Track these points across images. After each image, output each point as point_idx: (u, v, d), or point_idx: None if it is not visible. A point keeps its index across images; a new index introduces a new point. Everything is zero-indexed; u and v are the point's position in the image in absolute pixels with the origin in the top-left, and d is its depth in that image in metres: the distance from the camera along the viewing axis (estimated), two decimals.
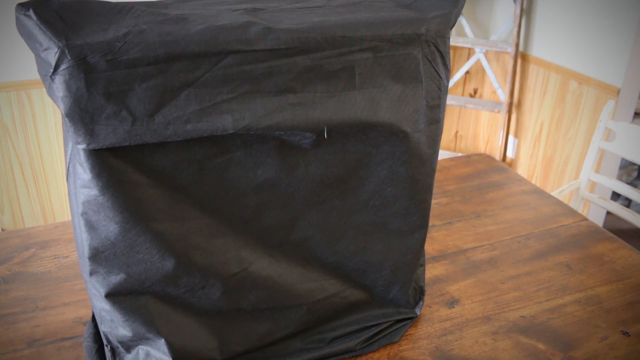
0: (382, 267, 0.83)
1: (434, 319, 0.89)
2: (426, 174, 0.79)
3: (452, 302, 0.93)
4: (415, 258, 0.85)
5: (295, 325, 0.80)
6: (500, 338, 0.86)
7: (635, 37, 2.07)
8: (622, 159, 2.41)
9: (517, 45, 2.51)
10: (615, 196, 2.56)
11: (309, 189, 0.74)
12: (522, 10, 2.48)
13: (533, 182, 2.36)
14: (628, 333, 0.87)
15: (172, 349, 0.72)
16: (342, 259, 0.81)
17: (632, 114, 2.22)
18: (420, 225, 0.83)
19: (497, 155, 2.74)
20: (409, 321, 0.88)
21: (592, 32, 2.22)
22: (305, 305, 0.80)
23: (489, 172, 1.39)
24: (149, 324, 0.71)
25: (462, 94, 2.90)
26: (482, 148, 2.93)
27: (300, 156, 0.71)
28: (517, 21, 2.48)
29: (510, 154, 2.73)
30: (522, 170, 2.68)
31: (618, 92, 2.15)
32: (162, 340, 0.72)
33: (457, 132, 3.00)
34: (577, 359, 0.82)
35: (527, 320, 0.89)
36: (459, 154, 2.65)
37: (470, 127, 2.96)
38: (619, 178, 2.64)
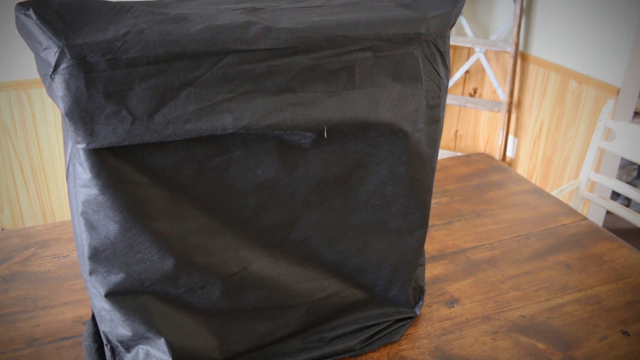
0: (381, 267, 0.83)
1: (433, 319, 0.89)
2: (426, 174, 0.79)
3: (452, 302, 0.93)
4: (415, 257, 0.85)
5: (295, 325, 0.80)
6: (500, 337, 0.86)
7: (635, 37, 2.07)
8: (622, 159, 2.41)
9: (516, 44, 2.51)
10: (615, 196, 2.56)
11: (309, 188, 0.74)
12: (522, 9, 2.47)
13: (533, 181, 2.36)
14: (628, 333, 0.87)
15: (172, 349, 0.72)
16: (341, 258, 0.81)
17: (631, 113, 2.21)
18: (420, 225, 0.83)
19: (497, 155, 2.74)
20: (408, 321, 0.88)
21: (592, 32, 2.22)
22: (305, 304, 0.80)
23: (489, 171, 1.39)
24: (149, 323, 0.71)
25: (462, 94, 2.89)
26: (481, 147, 2.93)
27: (300, 156, 0.71)
28: (517, 21, 2.48)
29: (510, 153, 2.73)
30: (521, 169, 2.68)
31: (618, 91, 2.15)
32: (162, 340, 0.72)
33: (456, 131, 3.00)
34: (577, 358, 0.82)
35: (527, 319, 0.89)
36: (459, 154, 2.64)
37: (470, 126, 2.96)
38: (619, 177, 2.64)
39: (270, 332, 0.79)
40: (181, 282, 0.71)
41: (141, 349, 0.73)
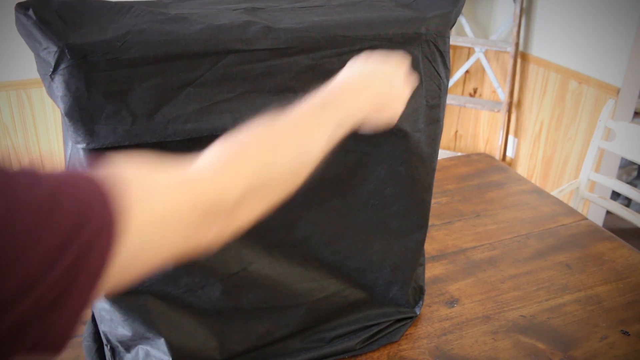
0: (381, 267, 0.83)
1: (433, 319, 0.89)
2: (426, 173, 0.79)
3: (452, 302, 0.93)
4: (415, 257, 0.85)
5: (295, 325, 0.80)
6: (500, 337, 0.86)
7: (635, 37, 2.06)
8: (622, 159, 2.41)
9: (516, 44, 2.51)
10: (615, 195, 2.56)
11: (309, 188, 0.74)
12: (521, 9, 2.47)
13: (533, 181, 2.36)
14: (628, 332, 0.87)
15: (172, 349, 0.72)
16: (341, 258, 0.80)
17: (631, 113, 2.21)
18: (420, 225, 0.83)
19: (497, 155, 2.73)
20: (408, 320, 0.87)
21: (592, 32, 2.22)
22: (305, 304, 0.80)
23: (489, 171, 1.39)
24: (149, 323, 0.71)
25: (462, 94, 2.89)
26: (481, 147, 2.93)
27: None
28: (517, 21, 2.48)
29: (510, 153, 2.73)
30: (521, 169, 2.67)
31: (618, 91, 2.14)
32: (162, 340, 0.72)
33: (456, 131, 3.00)
34: (577, 358, 0.82)
35: (527, 319, 0.89)
36: (459, 154, 2.64)
37: (470, 126, 2.95)
38: (619, 177, 2.64)
39: (270, 332, 0.79)
40: (181, 282, 0.71)
41: (141, 349, 0.73)
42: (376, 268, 0.83)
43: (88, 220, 0.34)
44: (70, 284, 0.33)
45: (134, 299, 0.70)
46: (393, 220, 0.80)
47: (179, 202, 0.40)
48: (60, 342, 0.35)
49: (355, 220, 0.79)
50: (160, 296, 0.71)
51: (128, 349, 0.74)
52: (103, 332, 0.74)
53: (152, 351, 0.72)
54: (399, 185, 0.77)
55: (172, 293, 0.71)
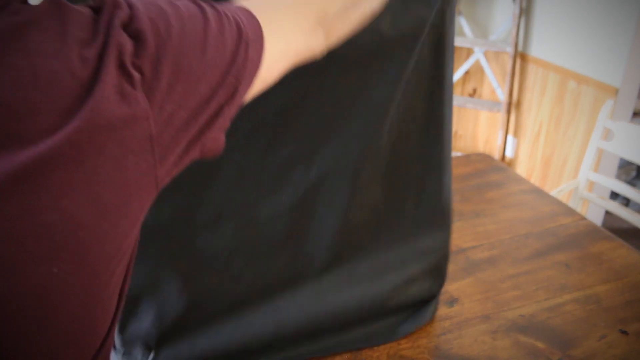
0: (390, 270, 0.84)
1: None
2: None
3: (452, 301, 0.94)
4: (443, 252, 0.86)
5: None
6: (499, 337, 0.86)
7: (633, 37, 2.07)
8: (621, 159, 2.41)
9: (516, 45, 2.51)
10: (614, 195, 2.56)
11: (322, 117, 0.73)
12: (521, 10, 2.47)
13: (532, 181, 2.36)
14: (626, 332, 0.87)
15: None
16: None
17: (630, 113, 2.21)
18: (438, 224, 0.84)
19: (496, 155, 2.74)
20: (433, 300, 0.88)
21: (591, 32, 2.22)
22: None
23: (488, 171, 1.39)
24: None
25: (462, 94, 2.89)
26: (481, 148, 2.93)
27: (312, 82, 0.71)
28: (516, 21, 2.48)
29: (509, 153, 2.73)
30: (521, 169, 2.67)
31: (616, 92, 2.15)
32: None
33: (456, 131, 3.00)
34: (576, 357, 0.82)
35: (526, 319, 0.90)
36: (458, 154, 2.64)
37: (470, 126, 2.95)
38: (618, 177, 2.64)
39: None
40: None
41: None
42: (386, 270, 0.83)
43: (241, 31, 0.45)
44: (237, 85, 0.44)
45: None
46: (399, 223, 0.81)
47: (298, 13, 0.53)
48: (222, 140, 0.46)
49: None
50: None
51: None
52: None
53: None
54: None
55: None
